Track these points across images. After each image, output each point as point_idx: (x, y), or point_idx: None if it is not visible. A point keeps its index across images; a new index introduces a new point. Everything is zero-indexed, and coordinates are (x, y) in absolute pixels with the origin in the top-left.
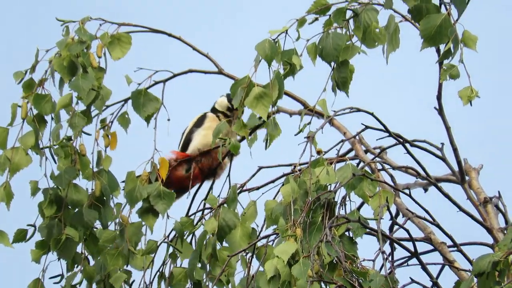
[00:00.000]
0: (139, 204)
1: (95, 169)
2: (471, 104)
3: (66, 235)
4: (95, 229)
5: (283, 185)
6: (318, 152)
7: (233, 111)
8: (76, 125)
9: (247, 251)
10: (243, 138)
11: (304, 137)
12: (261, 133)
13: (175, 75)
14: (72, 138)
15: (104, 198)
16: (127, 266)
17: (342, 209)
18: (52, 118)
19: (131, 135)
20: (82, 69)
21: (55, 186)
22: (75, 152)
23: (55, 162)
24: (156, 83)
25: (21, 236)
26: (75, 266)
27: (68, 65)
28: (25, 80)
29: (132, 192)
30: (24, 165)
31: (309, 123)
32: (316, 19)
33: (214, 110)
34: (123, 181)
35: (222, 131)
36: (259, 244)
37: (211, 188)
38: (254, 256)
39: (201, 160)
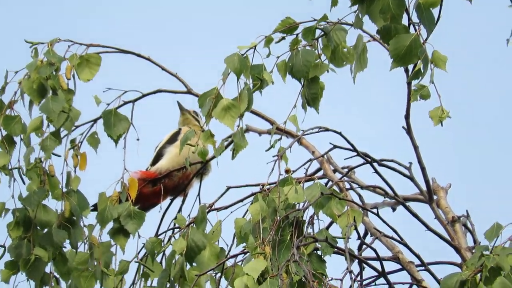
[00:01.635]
0: (111, 225)
1: (65, 190)
2: (442, 125)
3: (35, 255)
4: (64, 249)
5: (252, 203)
6: (287, 171)
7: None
8: (48, 147)
9: (215, 271)
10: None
11: (273, 156)
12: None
13: (144, 95)
14: (42, 160)
15: (74, 218)
16: (101, 287)
17: (311, 228)
18: (21, 139)
19: (101, 155)
20: (51, 91)
21: (23, 207)
22: (44, 173)
23: (24, 183)
24: (125, 103)
25: None
26: (44, 286)
27: (38, 87)
28: None
29: (103, 213)
30: None
31: (280, 138)
32: (283, 38)
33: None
34: (93, 206)
35: (190, 138)
36: (228, 263)
37: (180, 208)
38: (223, 276)
39: (167, 179)
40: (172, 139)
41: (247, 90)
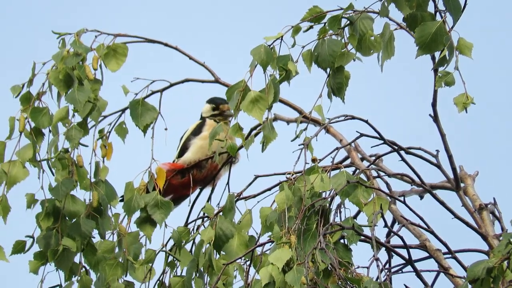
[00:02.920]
0: (138, 214)
1: (93, 180)
2: (466, 111)
3: (63, 245)
4: (93, 239)
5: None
6: (313, 160)
7: (218, 109)
8: (73, 137)
9: (245, 259)
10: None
11: (299, 144)
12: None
13: (172, 85)
14: (69, 150)
15: (102, 208)
16: (126, 276)
17: (337, 216)
18: (49, 131)
19: (129, 145)
20: (78, 81)
21: (52, 198)
22: (72, 163)
23: (53, 174)
24: (153, 92)
25: (20, 247)
26: (73, 276)
27: (64, 78)
28: (23, 93)
29: (129, 202)
30: (21, 178)
31: (305, 128)
32: (311, 27)
33: (202, 119)
34: (121, 196)
35: (219, 133)
36: (258, 252)
37: (209, 197)
38: (252, 264)
39: (196, 171)
40: (196, 131)
41: (273, 81)
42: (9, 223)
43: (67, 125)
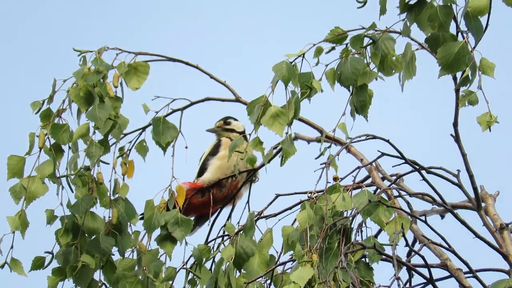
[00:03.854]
0: (158, 232)
1: (112, 197)
2: (490, 130)
3: (83, 262)
4: (113, 257)
5: (300, 211)
6: (335, 179)
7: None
8: (93, 154)
9: (265, 278)
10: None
11: (321, 164)
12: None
13: (192, 103)
14: (90, 167)
15: (121, 226)
16: None
17: (359, 235)
18: (69, 148)
19: (150, 163)
20: (99, 98)
21: (72, 214)
22: (92, 180)
23: (72, 191)
24: (174, 111)
25: (39, 263)
26: None
27: (85, 95)
28: (43, 110)
29: (150, 220)
30: (40, 193)
31: (330, 146)
32: (333, 48)
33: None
34: (141, 214)
35: (238, 146)
36: (279, 271)
37: (229, 216)
38: (272, 283)
39: (216, 190)
40: (214, 151)
41: (295, 98)
42: (27, 238)
43: (86, 142)
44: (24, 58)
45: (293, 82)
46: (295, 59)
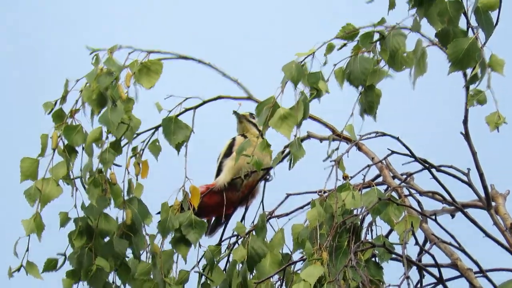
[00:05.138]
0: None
1: (126, 198)
2: (498, 130)
3: (97, 265)
4: (127, 258)
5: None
6: (345, 177)
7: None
8: (107, 160)
9: (279, 276)
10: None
11: (330, 161)
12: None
13: (204, 102)
14: (103, 171)
15: (135, 226)
16: None
17: (368, 234)
18: (82, 148)
19: (163, 162)
20: (111, 101)
21: (85, 216)
22: (105, 181)
23: (86, 192)
24: (186, 110)
25: (51, 265)
26: None
27: (97, 97)
28: (55, 110)
29: (164, 223)
30: (54, 195)
31: (337, 148)
32: (345, 44)
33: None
34: (158, 213)
35: (246, 148)
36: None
37: (244, 216)
38: (285, 282)
39: (231, 192)
40: (228, 152)
41: (303, 99)
42: (41, 241)
43: (99, 145)
44: (33, 56)
45: (303, 82)
46: (305, 58)
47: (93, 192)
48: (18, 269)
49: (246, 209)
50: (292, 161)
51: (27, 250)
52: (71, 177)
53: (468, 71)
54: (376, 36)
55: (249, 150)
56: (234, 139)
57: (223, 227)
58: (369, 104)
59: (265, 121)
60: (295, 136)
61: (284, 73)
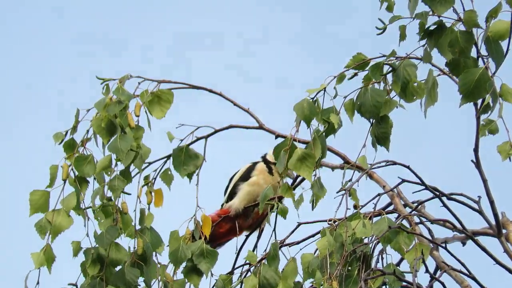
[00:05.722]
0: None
1: (138, 227)
2: (510, 159)
3: None
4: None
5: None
6: (355, 207)
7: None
8: (116, 187)
9: None
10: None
11: (340, 189)
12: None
13: (216, 131)
14: (113, 199)
15: (147, 256)
16: None
17: (379, 262)
18: (94, 178)
19: (175, 190)
20: (120, 129)
21: (97, 246)
22: (117, 210)
23: (95, 218)
24: (198, 139)
25: None
26: None
27: (106, 125)
28: (66, 140)
29: (176, 253)
30: (65, 227)
31: (350, 180)
32: (356, 74)
33: (265, 160)
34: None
35: (269, 196)
36: None
37: (256, 244)
38: None
39: (242, 220)
40: (245, 176)
41: (319, 136)
42: (51, 271)
43: (109, 173)
44: (44, 86)
45: (316, 119)
46: (316, 94)
47: (103, 221)
48: None
49: (258, 238)
50: (315, 202)
51: (38, 283)
52: (82, 207)
53: (480, 100)
54: (386, 68)
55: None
56: (254, 164)
57: (235, 254)
58: (382, 135)
59: (285, 166)
60: (314, 176)
61: (296, 113)
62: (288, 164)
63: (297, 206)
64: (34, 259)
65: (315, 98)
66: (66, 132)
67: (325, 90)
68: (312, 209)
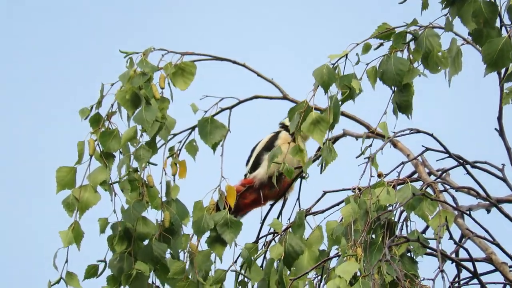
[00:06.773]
0: (208, 233)
1: (164, 199)
2: None
3: (137, 270)
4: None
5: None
6: (379, 175)
7: None
8: (142, 157)
9: (317, 274)
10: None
11: (364, 158)
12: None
13: (240, 102)
14: (138, 169)
15: (174, 228)
16: None
17: (403, 229)
18: (120, 152)
19: (199, 163)
20: (145, 101)
21: (124, 220)
22: (142, 184)
23: (120, 189)
24: (222, 110)
25: (92, 272)
26: None
27: (131, 97)
28: (92, 115)
29: (199, 222)
30: (93, 202)
31: (370, 145)
32: (381, 44)
33: (286, 128)
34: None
35: (277, 156)
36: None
37: (280, 212)
38: (323, 278)
39: (267, 189)
40: (269, 145)
41: (334, 102)
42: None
43: (134, 145)
44: (69, 62)
45: (335, 85)
46: (338, 60)
47: (125, 192)
48: (58, 282)
49: (283, 206)
50: (324, 165)
51: (66, 261)
52: (109, 182)
53: (503, 69)
54: (409, 37)
55: (281, 157)
56: (277, 134)
57: (260, 223)
58: (404, 103)
59: (297, 126)
60: (326, 140)
61: (314, 78)
62: (301, 127)
63: (305, 169)
64: (63, 237)
65: (336, 65)
66: (91, 107)
67: (346, 57)
68: (321, 173)
